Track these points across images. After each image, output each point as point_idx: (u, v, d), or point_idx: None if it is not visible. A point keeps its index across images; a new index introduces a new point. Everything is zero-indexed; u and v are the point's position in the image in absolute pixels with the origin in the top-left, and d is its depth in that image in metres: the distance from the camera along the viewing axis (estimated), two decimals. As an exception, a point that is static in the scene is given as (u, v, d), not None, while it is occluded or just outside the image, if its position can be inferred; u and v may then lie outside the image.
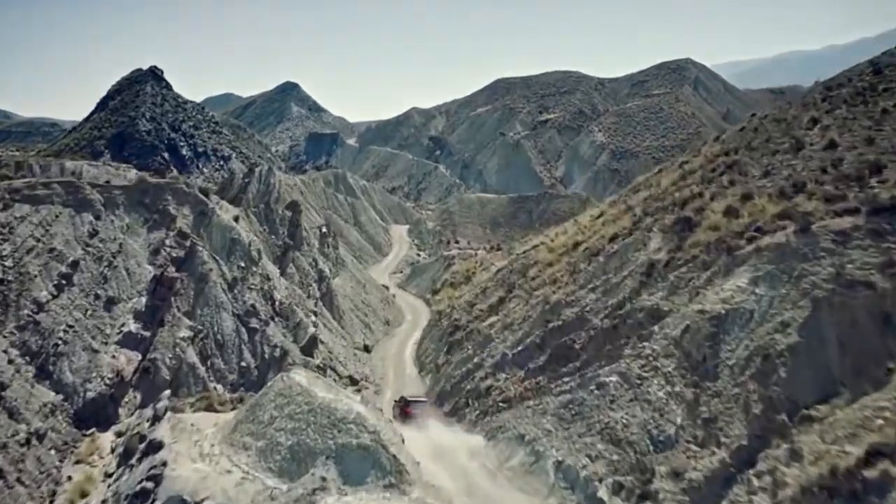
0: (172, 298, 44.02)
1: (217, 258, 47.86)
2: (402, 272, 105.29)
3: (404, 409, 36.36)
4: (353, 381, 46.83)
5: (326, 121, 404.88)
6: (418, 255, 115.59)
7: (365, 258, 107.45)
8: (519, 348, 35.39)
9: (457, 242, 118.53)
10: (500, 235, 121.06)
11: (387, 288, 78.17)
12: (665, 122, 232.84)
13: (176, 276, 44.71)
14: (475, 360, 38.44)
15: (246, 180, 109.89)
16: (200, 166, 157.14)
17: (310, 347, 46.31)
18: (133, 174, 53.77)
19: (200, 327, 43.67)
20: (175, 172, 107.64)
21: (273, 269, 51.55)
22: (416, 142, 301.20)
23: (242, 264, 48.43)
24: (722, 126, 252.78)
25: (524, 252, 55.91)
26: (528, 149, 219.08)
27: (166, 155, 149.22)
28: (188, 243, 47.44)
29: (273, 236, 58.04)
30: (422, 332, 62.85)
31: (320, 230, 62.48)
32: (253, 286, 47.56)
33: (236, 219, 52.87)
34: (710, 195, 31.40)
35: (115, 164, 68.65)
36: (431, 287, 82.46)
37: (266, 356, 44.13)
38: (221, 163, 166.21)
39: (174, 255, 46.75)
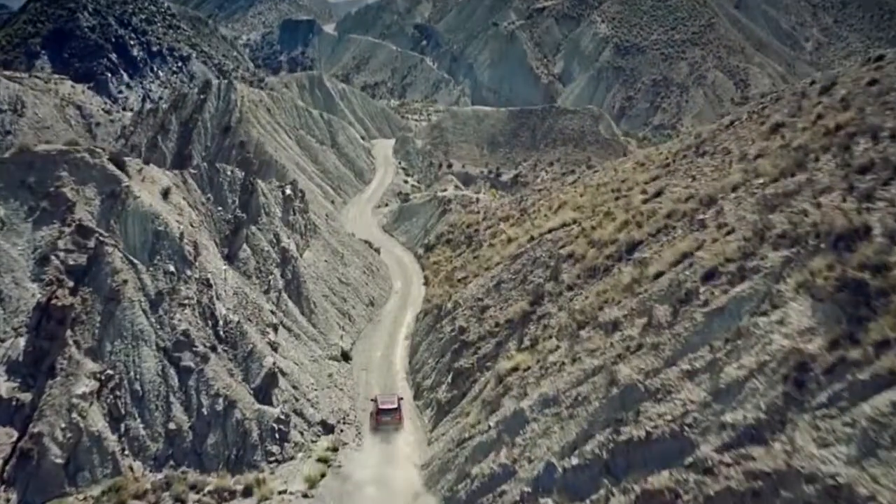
0: (67, 333, 31.40)
1: (135, 262, 34.91)
2: (387, 206, 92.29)
3: (375, 414, 36.16)
4: (326, 428, 35.31)
5: (302, 3, 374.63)
6: (406, 181, 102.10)
7: (344, 188, 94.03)
8: (574, 461, 23.52)
9: (449, 167, 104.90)
10: (499, 157, 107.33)
11: (372, 246, 65.43)
12: (675, 12, 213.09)
13: (71, 301, 31.85)
14: (500, 451, 26.57)
15: (201, 97, 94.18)
16: (155, 69, 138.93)
17: (267, 389, 34.34)
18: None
19: (111, 371, 31.52)
20: (126, 77, 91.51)
21: (217, 267, 38.70)
22: (399, 31, 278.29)
23: (172, 268, 35.55)
24: (734, 16, 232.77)
25: (549, 230, 43.14)
26: (524, 41, 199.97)
27: (114, 56, 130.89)
28: (92, 244, 34.30)
29: (220, 208, 44.68)
30: (414, 317, 51.06)
31: (283, 192, 49.08)
32: (186, 301, 34.91)
33: (166, 193, 39.41)
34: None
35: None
36: (423, 239, 69.95)
37: (205, 410, 32.23)
38: (180, 64, 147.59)
39: (71, 262, 33.78)
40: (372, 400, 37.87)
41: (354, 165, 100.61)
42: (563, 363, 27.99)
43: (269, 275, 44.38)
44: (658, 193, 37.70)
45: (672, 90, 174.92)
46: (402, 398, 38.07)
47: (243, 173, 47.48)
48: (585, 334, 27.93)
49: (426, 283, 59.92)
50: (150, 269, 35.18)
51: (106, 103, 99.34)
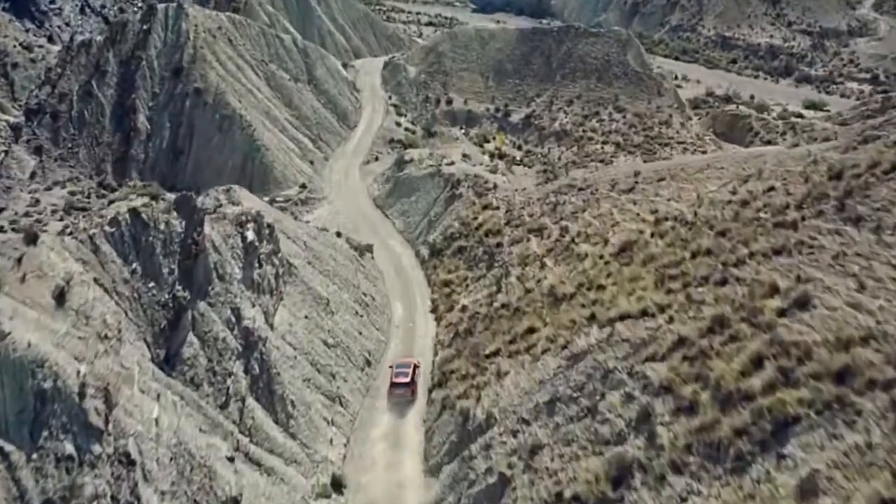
0: None
1: (7, 451, 22.55)
2: (377, 160, 78.32)
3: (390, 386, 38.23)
4: None
5: None
6: (398, 123, 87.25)
7: (325, 137, 79.52)
8: None
9: (449, 103, 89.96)
10: (507, 89, 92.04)
11: (362, 251, 52.55)
12: None
13: None
14: None
15: (144, 26, 77.10)
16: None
17: None
18: None
19: None
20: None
21: (144, 413, 26.24)
22: None
23: (69, 448, 23.28)
24: None
25: (620, 317, 30.90)
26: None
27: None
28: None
29: (152, 283, 31.58)
30: (426, 389, 39.35)
31: (244, 238, 35.68)
32: (93, 505, 22.85)
33: (61, 297, 26.39)
34: None
35: None
36: (427, 234, 57.16)
37: None
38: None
39: None
40: (391, 367, 40.31)
41: (337, 106, 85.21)
42: None
43: (228, 376, 31.98)
44: (802, 304, 25.17)
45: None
46: (418, 364, 40.05)
47: (183, 223, 33.87)
48: None
49: (434, 311, 47.85)
50: (34, 459, 22.74)
51: (28, 32, 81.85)
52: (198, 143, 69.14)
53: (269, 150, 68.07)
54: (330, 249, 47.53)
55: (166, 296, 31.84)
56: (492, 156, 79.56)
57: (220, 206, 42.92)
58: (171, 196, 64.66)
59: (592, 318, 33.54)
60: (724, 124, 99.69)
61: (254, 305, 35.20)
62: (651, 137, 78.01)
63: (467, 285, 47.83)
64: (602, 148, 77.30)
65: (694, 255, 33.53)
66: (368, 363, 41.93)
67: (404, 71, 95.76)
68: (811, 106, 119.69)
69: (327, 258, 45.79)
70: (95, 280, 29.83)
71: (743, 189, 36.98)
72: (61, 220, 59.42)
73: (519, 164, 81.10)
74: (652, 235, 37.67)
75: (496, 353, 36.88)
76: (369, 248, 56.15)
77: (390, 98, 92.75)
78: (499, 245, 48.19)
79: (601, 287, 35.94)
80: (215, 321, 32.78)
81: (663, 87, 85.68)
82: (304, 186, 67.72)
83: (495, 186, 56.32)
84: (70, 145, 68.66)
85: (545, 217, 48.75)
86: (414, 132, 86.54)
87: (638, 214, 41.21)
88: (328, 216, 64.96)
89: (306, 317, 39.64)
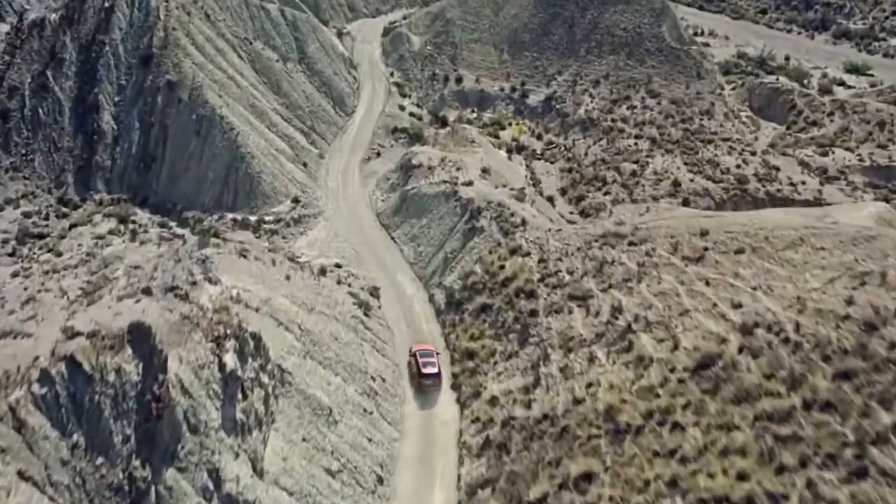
0: None
1: None
2: (379, 155, 69.81)
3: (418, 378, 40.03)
4: None
5: None
6: (402, 106, 78.03)
7: (320, 129, 70.72)
8: None
9: (459, 81, 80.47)
10: (524, 64, 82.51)
11: (375, 299, 45.01)
12: None
13: None
14: None
15: (106, 3, 66.73)
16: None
17: None
18: None
19: None
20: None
21: None
22: None
23: None
24: None
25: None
26: None
27: None
28: None
29: (101, 459, 24.01)
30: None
31: (221, 366, 27.86)
32: None
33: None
34: None
35: None
36: (442, 273, 49.48)
37: None
38: None
39: None
40: (411, 353, 41.61)
41: (332, 89, 75.67)
42: None
43: (205, 571, 24.86)
44: None
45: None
46: (439, 353, 41.76)
47: (140, 366, 26.04)
48: None
49: (456, 389, 40.58)
50: None
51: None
52: (172, 149, 60.17)
53: (254, 158, 59.23)
54: (331, 324, 39.77)
55: (120, 475, 24.34)
56: (509, 151, 70.89)
57: (194, 283, 35.13)
58: (147, 216, 55.59)
59: (675, 484, 26.39)
60: (763, 98, 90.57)
61: (238, 455, 27.78)
62: (691, 132, 69.16)
63: (495, 362, 40.33)
64: (636, 144, 68.56)
65: (807, 406, 26.14)
66: (380, 480, 34.83)
67: (407, 42, 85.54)
68: (853, 70, 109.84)
69: (327, 340, 38.09)
70: (21, 474, 22.36)
71: (861, 297, 29.17)
72: (12, 254, 51.35)
73: (539, 159, 72.57)
74: (740, 351, 30.07)
75: (542, 500, 29.80)
76: (376, 293, 48.51)
77: (392, 75, 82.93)
78: (533, 313, 40.49)
79: (680, 427, 28.62)
80: (188, 494, 25.41)
81: (704, 68, 76.08)
82: (296, 201, 59.26)
83: (524, 223, 48.09)
84: (24, 152, 59.66)
85: (589, 278, 40.89)
86: (420, 117, 77.44)
87: (715, 305, 33.43)
88: (325, 238, 56.94)
89: (304, 439, 32.27)
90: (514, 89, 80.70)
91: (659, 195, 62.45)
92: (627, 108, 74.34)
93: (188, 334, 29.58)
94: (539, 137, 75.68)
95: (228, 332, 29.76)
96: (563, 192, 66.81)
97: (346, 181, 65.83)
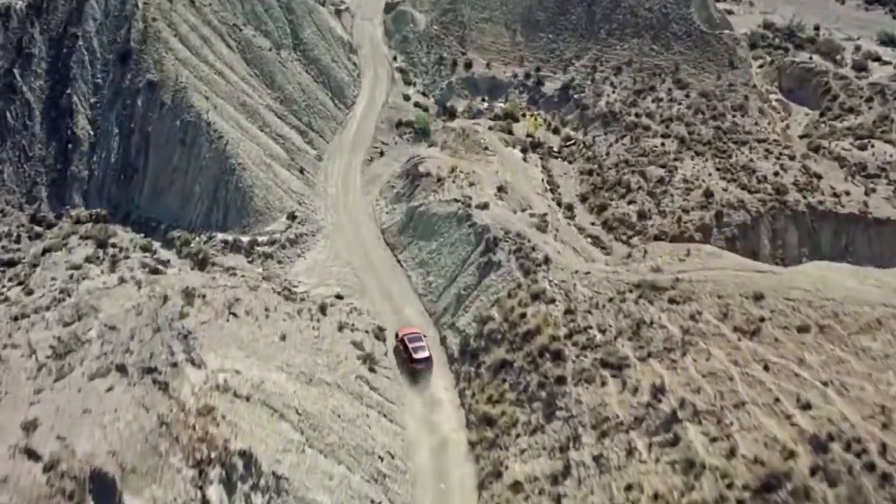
0: None
1: None
2: (382, 155, 64.87)
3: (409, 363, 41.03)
4: None
5: None
6: (407, 95, 72.37)
7: (318, 125, 65.69)
8: None
9: (468, 67, 74.87)
10: (539, 47, 76.57)
11: (380, 342, 40.88)
12: None
13: None
14: None
15: (78, -10, 60.34)
16: None
17: None
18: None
19: None
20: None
21: None
22: None
23: None
24: None
25: None
26: None
27: None
28: None
29: None
30: None
31: (204, 500, 23.56)
32: None
33: None
34: None
35: None
36: (455, 315, 45.13)
37: None
38: None
39: None
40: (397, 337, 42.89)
41: (330, 78, 69.82)
42: None
43: None
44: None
45: None
46: (426, 336, 43.07)
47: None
48: None
49: (475, 461, 36.51)
50: None
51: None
52: (155, 159, 54.87)
53: (246, 169, 54.00)
54: (333, 396, 35.42)
55: None
56: (524, 150, 65.58)
57: (174, 365, 30.91)
58: (128, 236, 51.45)
59: None
60: (794, 79, 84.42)
61: None
62: (723, 131, 63.58)
63: (518, 434, 36.16)
64: (662, 144, 63.11)
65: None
66: (391, 587, 31.10)
67: (412, 21, 79.08)
68: (888, 41, 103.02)
69: (329, 420, 33.80)
70: None
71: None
72: (-20, 288, 46.79)
73: (556, 157, 67.31)
74: (813, 473, 25.77)
75: None
76: (381, 335, 44.28)
77: (395, 59, 76.75)
78: (560, 380, 36.16)
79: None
80: None
81: (737, 56, 69.90)
82: (292, 217, 54.28)
83: (546, 261, 43.25)
84: (-9, 162, 54.57)
85: (624, 340, 36.43)
86: (426, 108, 71.77)
87: (777, 401, 29.01)
88: (325, 260, 52.33)
89: (303, 562, 28.30)
90: (527, 76, 74.68)
91: (689, 207, 57.48)
92: (653, 101, 68.56)
93: (165, 457, 25.31)
94: (556, 131, 70.15)
95: (213, 455, 25.43)
96: (584, 198, 61.79)
97: (347, 187, 60.77)
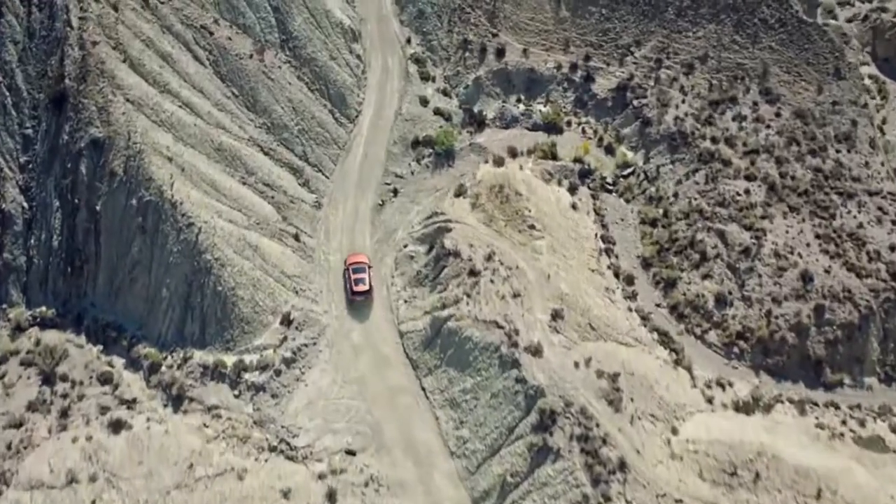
0: None
1: None
2: (395, 195, 53.71)
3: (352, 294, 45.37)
4: None
5: None
6: (424, 100, 59.03)
7: (314, 157, 54.28)
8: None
9: (500, 55, 61.20)
10: (589, 28, 62.43)
11: None
12: None
13: None
14: None
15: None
16: None
17: None
18: None
19: None
20: None
21: None
22: None
23: None
24: None
25: None
26: None
27: None
28: None
29: None
30: None
31: None
32: None
33: None
34: None
35: None
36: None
37: None
38: None
39: None
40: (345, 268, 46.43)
41: (329, 83, 56.02)
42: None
43: None
44: None
45: None
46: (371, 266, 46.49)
47: None
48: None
49: None
50: None
51: None
52: (109, 247, 43.11)
53: (225, 266, 42.44)
54: None
55: None
56: (572, 188, 53.56)
57: None
58: (81, 356, 43.45)
59: None
60: (893, 46, 70.12)
61: None
62: (824, 175, 50.99)
63: None
64: (747, 192, 50.97)
65: None
66: None
67: (429, -12, 63.17)
68: None
69: None
70: None
71: None
72: None
73: (611, 191, 55.39)
74: None
75: None
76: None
77: (409, 42, 61.88)
78: None
79: None
80: None
81: (844, 61, 55.40)
82: (288, 322, 43.67)
83: (623, 467, 33.37)
84: None
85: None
86: (449, 116, 58.59)
87: None
88: (329, 388, 42.54)
89: None
90: (573, 67, 60.35)
91: (781, 295, 46.78)
92: (734, 118, 55.21)
93: None
94: (608, 150, 57.45)
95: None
96: (646, 263, 50.75)
97: (355, 249, 49.56)
